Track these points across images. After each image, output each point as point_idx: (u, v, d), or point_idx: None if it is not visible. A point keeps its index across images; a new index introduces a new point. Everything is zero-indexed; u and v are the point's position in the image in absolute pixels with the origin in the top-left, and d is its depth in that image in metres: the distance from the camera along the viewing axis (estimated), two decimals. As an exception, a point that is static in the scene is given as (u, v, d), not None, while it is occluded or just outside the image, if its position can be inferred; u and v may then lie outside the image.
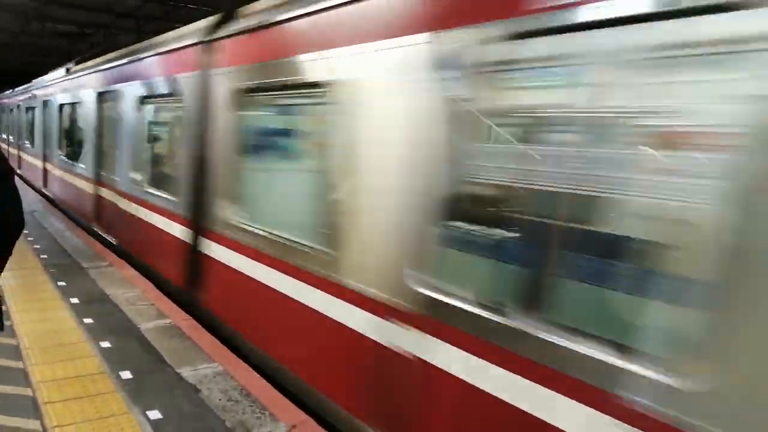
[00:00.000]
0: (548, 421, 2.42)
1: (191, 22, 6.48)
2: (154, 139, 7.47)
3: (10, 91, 22.10)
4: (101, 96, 9.22)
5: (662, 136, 2.34)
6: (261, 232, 4.58)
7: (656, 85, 2.31)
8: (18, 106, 18.87)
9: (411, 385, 3.12)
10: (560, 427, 2.37)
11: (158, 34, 7.29)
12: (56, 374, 4.20)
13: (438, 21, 2.97)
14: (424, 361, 3.02)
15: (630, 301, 2.36)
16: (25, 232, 9.63)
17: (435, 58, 2.98)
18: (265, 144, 5.19)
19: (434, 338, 2.97)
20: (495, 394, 2.65)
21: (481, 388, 2.72)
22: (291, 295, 4.15)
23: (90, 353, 4.62)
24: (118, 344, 4.84)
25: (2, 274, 3.47)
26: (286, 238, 4.29)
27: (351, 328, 3.53)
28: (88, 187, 9.94)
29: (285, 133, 5.10)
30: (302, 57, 4.09)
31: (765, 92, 1.85)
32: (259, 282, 4.59)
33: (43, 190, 13.99)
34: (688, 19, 2.01)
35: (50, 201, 13.14)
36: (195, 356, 4.67)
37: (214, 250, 5.36)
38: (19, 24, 18.70)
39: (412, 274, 3.09)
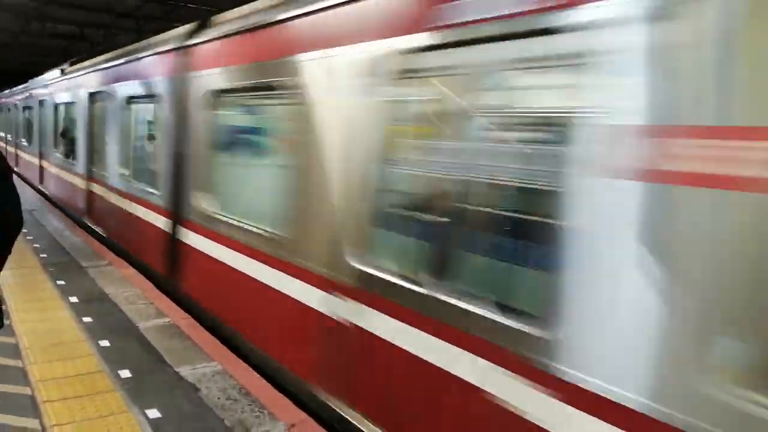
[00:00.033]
0: (455, 373, 2.84)
1: (191, 22, 6.53)
2: (139, 136, 8.04)
3: (8, 90, 22.40)
4: (92, 96, 9.74)
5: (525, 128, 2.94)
6: (230, 221, 5.04)
7: (517, 88, 2.91)
8: (15, 105, 19.29)
9: (350, 350, 3.58)
10: (464, 378, 2.78)
11: (158, 34, 7.35)
12: (55, 373, 4.20)
13: (369, 35, 3.47)
14: (360, 328, 3.47)
15: (511, 269, 2.89)
16: (24, 230, 9.66)
17: (367, 66, 3.46)
18: (233, 140, 5.71)
19: (367, 307, 3.43)
20: (415, 353, 3.07)
21: (404, 348, 3.15)
22: (256, 277, 4.57)
23: (89, 352, 4.62)
24: (118, 343, 4.84)
25: (1, 273, 3.47)
26: (250, 225, 4.75)
27: (304, 303, 3.97)
28: (80, 183, 10.43)
29: (250, 130, 5.64)
30: (262, 63, 4.62)
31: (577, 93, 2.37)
32: (229, 266, 5.00)
33: (39, 187, 14.45)
34: (528, 39, 2.55)
35: (46, 197, 13.59)
36: (194, 355, 4.67)
37: (190, 238, 5.81)
38: (19, 24, 18.71)
39: (351, 253, 3.54)
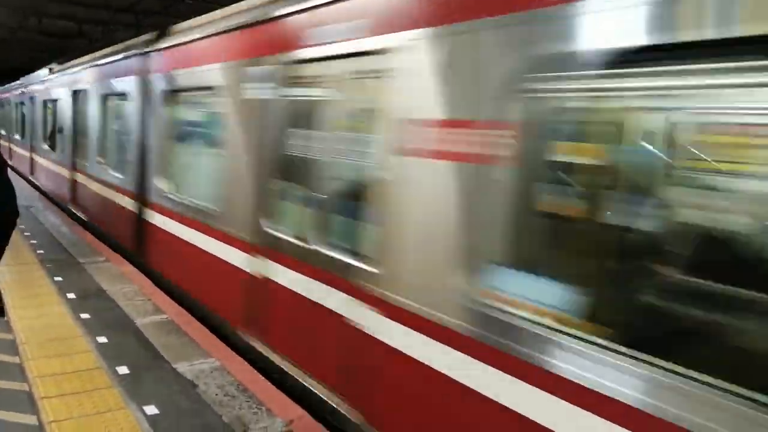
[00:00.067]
0: (328, 306, 3.79)
1: (191, 18, 6.57)
2: (113, 130, 9.05)
3: (3, 87, 23.04)
4: (75, 94, 10.83)
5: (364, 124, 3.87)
6: (181, 200, 6.13)
7: (363, 93, 3.85)
8: (9, 101, 20.31)
9: (261, 298, 4.54)
10: (333, 309, 3.73)
11: (159, 30, 7.43)
12: (53, 369, 4.19)
13: (261, 50, 4.65)
14: (268, 279, 4.47)
15: (357, 225, 3.70)
16: (21, 227, 9.69)
17: (260, 72, 4.60)
18: (182, 133, 6.72)
19: (272, 262, 4.43)
20: (303, 294, 4.07)
21: (295, 291, 4.15)
22: (200, 246, 5.56)
23: (86, 348, 4.61)
24: (115, 339, 4.83)
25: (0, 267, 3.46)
26: (195, 203, 5.80)
27: (233, 265, 4.94)
28: (65, 173, 11.55)
29: (194, 124, 6.63)
30: (199, 68, 5.81)
31: (391, 95, 3.30)
32: (181, 239, 6.03)
33: (30, 178, 15.80)
34: (361, 58, 3.56)
35: (36, 188, 14.77)
36: (192, 352, 4.66)
37: (153, 217, 6.88)
38: (16, 20, 18.62)
39: (263, 221, 4.53)
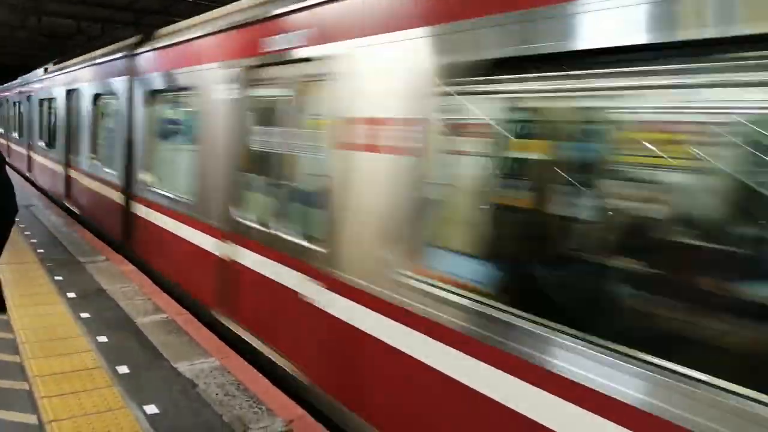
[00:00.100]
0: (285, 284, 4.25)
1: (190, 17, 6.61)
2: (103, 127, 9.60)
3: (1, 86, 23.36)
4: (69, 93, 11.27)
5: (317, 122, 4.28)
6: (163, 192, 6.66)
7: (310, 94, 4.27)
8: (7, 99, 20.74)
9: (231, 279, 5.02)
10: (289, 286, 4.20)
11: (158, 28, 7.48)
12: (53, 369, 4.19)
13: (227, 55, 5.17)
14: (236, 262, 4.96)
15: (310, 211, 4.18)
16: (21, 226, 9.69)
17: (227, 75, 5.10)
18: (164, 130, 7.23)
19: (239, 246, 4.92)
20: (265, 274, 4.54)
21: (258, 272, 4.63)
22: (179, 234, 6.09)
23: (87, 348, 4.61)
24: (115, 339, 4.84)
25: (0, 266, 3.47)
26: (174, 195, 6.35)
27: (206, 250, 5.43)
28: (60, 169, 11.93)
29: (174, 122, 7.10)
30: (176, 71, 6.34)
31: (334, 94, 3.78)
32: (161, 228, 6.59)
33: (27, 175, 16.25)
34: (305, 63, 4.09)
35: (33, 184, 15.21)
36: (192, 351, 4.67)
37: (138, 208, 7.39)
38: (17, 18, 18.60)
39: (232, 209, 5.01)
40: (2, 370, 4.13)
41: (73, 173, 11.04)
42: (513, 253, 3.16)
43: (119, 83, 8.18)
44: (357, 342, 3.51)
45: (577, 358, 2.31)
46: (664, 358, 2.10)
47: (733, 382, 1.92)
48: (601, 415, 2.22)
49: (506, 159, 3.29)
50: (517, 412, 2.54)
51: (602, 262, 2.70)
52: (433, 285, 3.03)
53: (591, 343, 2.30)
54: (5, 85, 22.38)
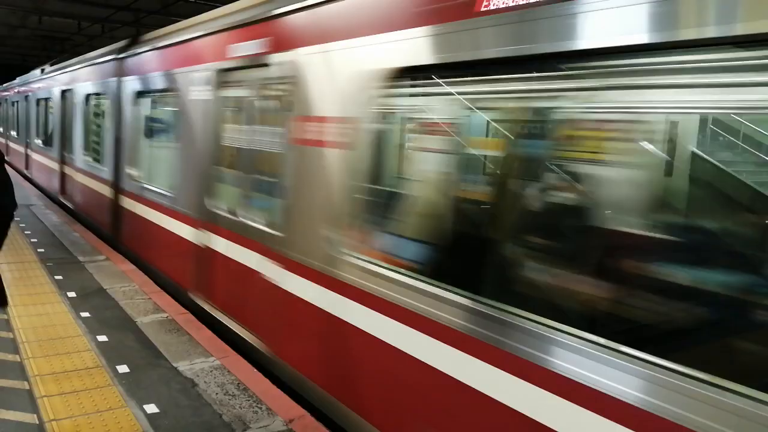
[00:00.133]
0: (250, 266, 4.71)
1: (190, 17, 6.62)
2: (95, 125, 10.09)
3: (1, 86, 23.69)
4: (63, 93, 11.78)
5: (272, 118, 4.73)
6: (147, 186, 7.19)
7: (269, 94, 4.77)
8: (6, 99, 21.20)
9: (207, 265, 5.47)
10: (253, 268, 4.66)
11: (157, 28, 7.55)
12: (53, 368, 4.19)
13: (201, 59, 5.70)
14: (210, 248, 5.44)
15: (271, 200, 4.56)
16: (21, 225, 9.69)
17: (201, 78, 5.62)
18: (149, 128, 7.80)
19: (212, 234, 5.40)
20: (233, 258, 5.02)
21: (228, 256, 5.11)
22: (162, 225, 6.57)
23: (87, 347, 4.61)
24: (115, 338, 4.84)
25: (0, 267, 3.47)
26: (156, 188, 6.90)
27: (185, 238, 5.92)
28: (56, 167, 12.42)
29: (158, 121, 7.63)
30: (158, 73, 6.89)
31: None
32: (145, 218, 7.13)
33: (25, 172, 16.72)
34: (265, 68, 4.58)
35: (30, 181, 15.58)
36: (192, 350, 4.67)
37: (125, 201, 7.98)
38: (17, 18, 18.59)
39: (206, 200, 5.50)
40: (2, 370, 4.12)
41: (67, 170, 11.56)
42: (428, 233, 3.72)
43: (109, 84, 8.77)
44: (305, 312, 3.99)
45: (486, 322, 2.74)
46: (554, 320, 2.49)
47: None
48: (494, 365, 2.67)
49: (424, 150, 4.03)
50: (438, 370, 2.97)
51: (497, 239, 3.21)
52: (368, 261, 3.44)
53: (499, 309, 2.71)
54: (4, 85, 22.69)
